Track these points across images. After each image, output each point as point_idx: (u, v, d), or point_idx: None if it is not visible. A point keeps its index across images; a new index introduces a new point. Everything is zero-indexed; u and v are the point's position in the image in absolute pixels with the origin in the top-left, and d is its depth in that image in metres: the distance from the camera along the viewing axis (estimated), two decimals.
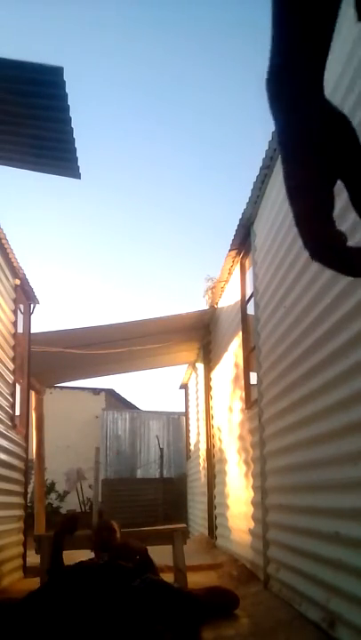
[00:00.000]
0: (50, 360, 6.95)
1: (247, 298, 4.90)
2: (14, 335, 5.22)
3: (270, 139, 3.66)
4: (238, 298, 5.15)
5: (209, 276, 7.17)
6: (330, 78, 2.80)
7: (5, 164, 3.82)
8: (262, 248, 4.17)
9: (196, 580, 3.98)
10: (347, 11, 2.28)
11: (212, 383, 6.85)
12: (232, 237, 4.86)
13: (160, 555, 3.84)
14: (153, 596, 3.04)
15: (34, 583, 4.10)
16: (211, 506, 6.78)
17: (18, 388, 5.41)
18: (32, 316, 5.91)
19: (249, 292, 4.76)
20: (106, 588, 3.06)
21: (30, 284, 5.56)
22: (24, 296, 5.65)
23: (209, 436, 6.90)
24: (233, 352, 5.46)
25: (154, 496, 11.32)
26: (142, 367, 8.91)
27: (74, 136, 3.29)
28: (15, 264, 5.11)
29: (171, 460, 13.82)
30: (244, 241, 4.84)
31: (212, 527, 6.71)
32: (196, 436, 8.25)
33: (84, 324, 6.44)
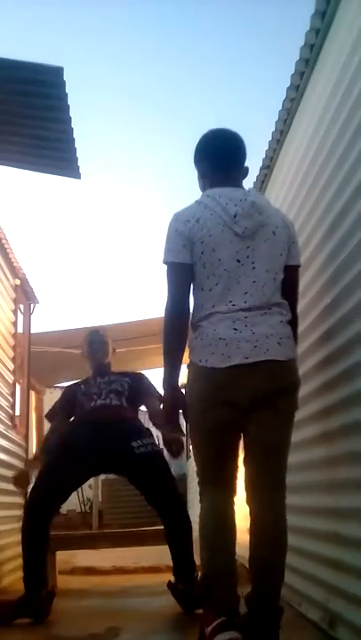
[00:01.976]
0: (50, 360, 6.95)
1: None
2: (14, 335, 5.22)
3: (270, 139, 3.66)
4: None
5: None
6: (330, 79, 2.81)
7: (5, 164, 3.82)
8: None
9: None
10: (347, 11, 2.31)
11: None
12: None
13: (160, 555, 3.85)
14: (150, 468, 3.27)
15: None
16: None
17: (18, 387, 5.41)
18: (32, 316, 5.92)
19: None
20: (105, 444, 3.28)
21: (30, 284, 5.56)
22: (24, 296, 5.65)
23: None
24: None
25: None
26: (142, 367, 8.91)
27: (74, 136, 3.29)
28: (15, 264, 5.11)
29: (171, 459, 13.78)
30: None
31: None
32: None
33: (84, 324, 6.45)
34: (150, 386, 3.65)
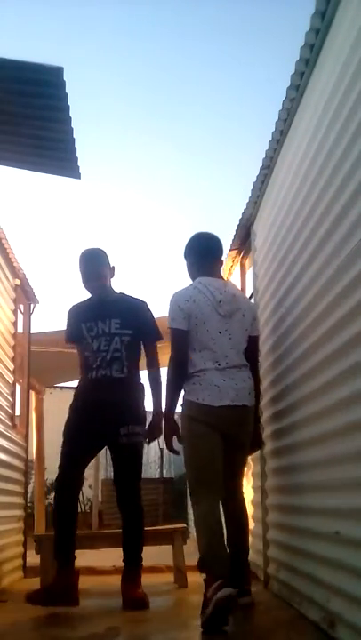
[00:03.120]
0: (50, 360, 6.94)
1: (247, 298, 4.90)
2: (14, 335, 5.22)
3: (270, 139, 3.66)
4: None
5: None
6: (330, 79, 2.81)
7: (5, 165, 3.81)
8: (262, 248, 4.17)
9: (196, 580, 3.98)
10: (347, 11, 2.31)
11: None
12: (232, 238, 4.86)
13: (160, 555, 3.85)
14: (125, 459, 3.57)
15: (34, 583, 4.11)
16: None
17: (18, 387, 5.41)
18: (32, 316, 5.91)
19: (249, 291, 4.76)
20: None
21: (30, 284, 5.56)
22: (24, 296, 5.64)
23: None
24: None
25: (154, 496, 11.31)
26: (142, 367, 8.89)
27: (74, 136, 3.29)
28: (15, 264, 5.11)
29: (171, 460, 13.82)
30: (244, 241, 4.84)
31: None
32: None
33: None
34: (151, 331, 3.70)
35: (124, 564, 3.61)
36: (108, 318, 3.59)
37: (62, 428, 3.57)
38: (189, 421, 3.14)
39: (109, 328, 3.58)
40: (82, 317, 3.69)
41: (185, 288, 3.28)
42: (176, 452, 3.35)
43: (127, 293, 3.79)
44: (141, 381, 3.69)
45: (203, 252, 3.40)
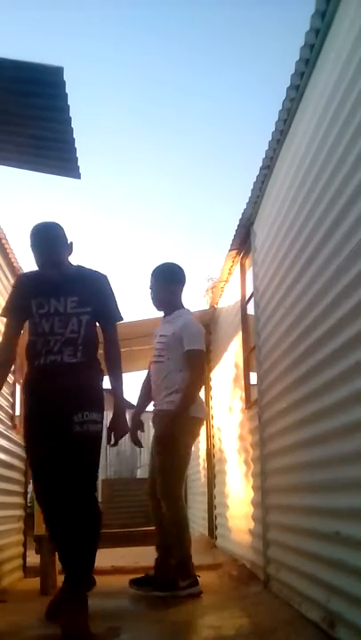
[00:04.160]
0: None
1: (247, 298, 4.90)
2: None
3: (270, 139, 3.66)
4: (238, 298, 5.15)
5: (209, 276, 7.21)
6: (330, 79, 2.81)
7: (5, 164, 3.81)
8: (262, 248, 4.17)
9: None
10: (347, 11, 2.31)
11: (211, 383, 6.85)
12: (232, 238, 4.86)
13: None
14: (77, 450, 2.89)
15: (34, 583, 4.11)
16: (211, 506, 6.78)
17: (18, 388, 5.41)
18: None
19: (249, 292, 4.76)
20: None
21: None
22: None
23: (209, 436, 6.90)
24: (233, 352, 5.46)
25: None
26: (142, 367, 8.89)
27: (74, 136, 3.29)
28: (15, 264, 5.11)
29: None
30: (244, 241, 4.84)
31: (212, 527, 6.71)
32: None
33: None
34: (112, 310, 3.16)
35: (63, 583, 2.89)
36: (62, 296, 3.02)
37: None
38: (192, 436, 3.87)
39: (65, 307, 3.01)
40: (31, 291, 3.08)
41: (192, 314, 4.04)
42: (140, 445, 3.94)
43: (84, 265, 3.22)
44: (100, 366, 3.11)
45: (184, 283, 4.06)
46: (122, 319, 3.20)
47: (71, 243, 3.12)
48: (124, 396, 3.17)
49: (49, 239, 3.06)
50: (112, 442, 3.06)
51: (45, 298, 3.04)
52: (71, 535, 2.85)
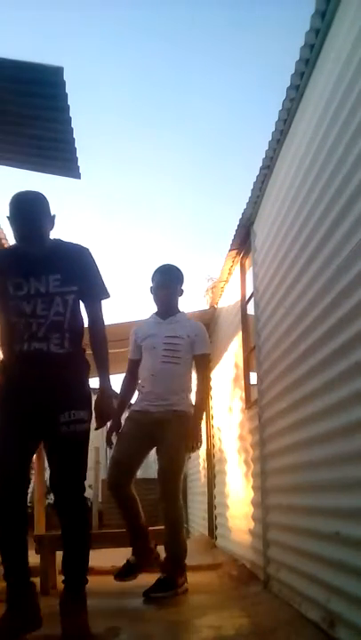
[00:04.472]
0: None
1: (247, 298, 4.90)
2: None
3: (270, 139, 3.66)
4: (238, 298, 5.15)
5: (209, 276, 7.22)
6: (330, 79, 2.81)
7: (5, 164, 3.82)
8: (262, 248, 4.17)
9: (196, 580, 3.98)
10: (347, 11, 2.31)
11: (211, 383, 6.85)
12: (232, 238, 4.86)
13: (160, 555, 3.84)
14: (65, 452, 2.69)
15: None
16: (211, 506, 6.78)
17: None
18: None
19: (249, 292, 4.76)
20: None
21: None
22: None
23: (209, 436, 6.91)
24: (233, 352, 5.46)
25: (154, 496, 11.26)
26: None
27: (74, 136, 3.29)
28: None
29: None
30: (244, 241, 4.84)
31: (212, 527, 6.71)
32: None
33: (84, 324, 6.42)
34: (97, 284, 2.86)
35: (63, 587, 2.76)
36: (43, 275, 2.71)
37: None
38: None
39: (47, 287, 2.71)
40: (7, 271, 2.75)
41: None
42: (111, 444, 3.90)
43: (63, 239, 2.88)
44: (87, 359, 2.85)
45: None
46: (109, 296, 2.89)
47: (54, 216, 2.79)
48: (110, 382, 2.87)
49: (32, 211, 2.71)
50: (96, 426, 2.81)
51: (24, 277, 2.71)
52: (67, 539, 2.75)
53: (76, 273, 2.76)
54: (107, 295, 2.88)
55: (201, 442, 3.91)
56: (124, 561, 3.89)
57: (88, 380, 2.86)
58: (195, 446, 3.84)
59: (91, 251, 2.85)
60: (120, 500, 3.88)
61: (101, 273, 2.85)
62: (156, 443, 3.82)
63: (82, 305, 2.84)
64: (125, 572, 3.83)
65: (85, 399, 2.77)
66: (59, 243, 2.83)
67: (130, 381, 4.06)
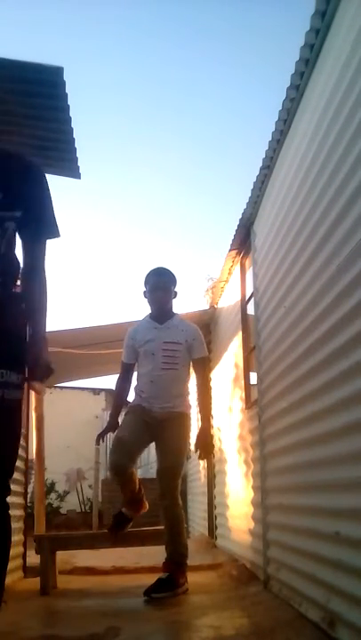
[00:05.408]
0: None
1: (247, 298, 4.90)
2: None
3: (270, 139, 3.66)
4: (238, 298, 5.15)
5: (209, 275, 7.20)
6: (330, 79, 2.81)
7: None
8: (262, 248, 4.17)
9: (196, 580, 3.98)
10: (347, 11, 2.32)
11: (211, 383, 6.85)
12: (232, 237, 4.86)
13: (160, 554, 3.84)
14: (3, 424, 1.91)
15: (34, 583, 4.11)
16: (211, 506, 6.78)
17: None
18: None
19: (249, 291, 4.76)
20: None
21: None
22: None
23: None
24: (233, 352, 5.46)
25: (154, 496, 11.29)
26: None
27: (74, 136, 3.30)
28: None
29: None
30: (244, 241, 4.84)
31: (212, 527, 6.71)
32: None
33: (84, 324, 6.44)
34: (46, 217, 2.08)
35: None
36: None
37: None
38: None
39: None
40: None
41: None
42: (99, 443, 4.15)
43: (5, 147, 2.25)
44: (22, 303, 2.06)
45: None
46: (59, 236, 2.12)
47: None
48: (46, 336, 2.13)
49: None
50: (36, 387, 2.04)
51: None
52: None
53: (21, 194, 2.00)
54: (57, 234, 2.11)
55: (214, 446, 3.98)
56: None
57: (25, 334, 2.08)
58: (208, 451, 3.95)
59: (44, 171, 2.13)
60: (122, 483, 3.90)
61: (53, 203, 2.10)
62: (155, 439, 3.83)
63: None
64: (118, 524, 3.99)
65: (20, 359, 1.99)
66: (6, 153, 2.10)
67: (125, 385, 4.05)
